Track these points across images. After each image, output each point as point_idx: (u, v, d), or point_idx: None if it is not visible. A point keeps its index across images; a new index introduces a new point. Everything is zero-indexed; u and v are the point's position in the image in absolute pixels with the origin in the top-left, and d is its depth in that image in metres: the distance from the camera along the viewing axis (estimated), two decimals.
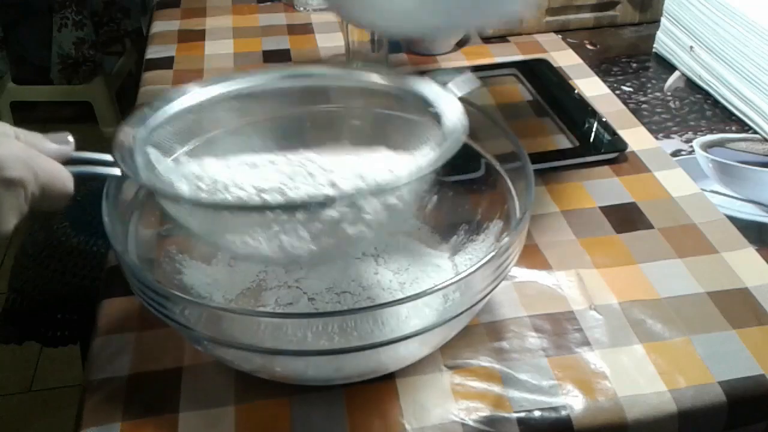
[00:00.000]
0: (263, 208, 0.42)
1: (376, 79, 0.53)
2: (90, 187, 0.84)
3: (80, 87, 2.01)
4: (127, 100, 1.99)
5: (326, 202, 0.41)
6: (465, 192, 0.59)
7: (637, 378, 0.49)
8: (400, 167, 0.46)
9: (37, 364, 1.47)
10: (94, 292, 0.59)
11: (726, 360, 0.50)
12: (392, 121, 0.52)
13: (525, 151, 0.51)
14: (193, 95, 0.51)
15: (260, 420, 0.48)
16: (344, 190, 0.43)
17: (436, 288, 0.42)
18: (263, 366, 0.47)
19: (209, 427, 0.47)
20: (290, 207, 0.42)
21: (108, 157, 0.44)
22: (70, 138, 0.41)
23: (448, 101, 0.48)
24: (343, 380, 0.48)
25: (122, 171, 0.43)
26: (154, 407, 0.48)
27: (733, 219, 0.63)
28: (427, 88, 0.50)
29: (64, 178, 0.39)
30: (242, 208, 0.43)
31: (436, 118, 0.48)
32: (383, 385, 0.49)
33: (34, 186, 0.37)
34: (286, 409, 0.48)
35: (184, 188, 0.45)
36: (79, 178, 0.40)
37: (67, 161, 0.40)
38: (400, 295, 0.53)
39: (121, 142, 0.45)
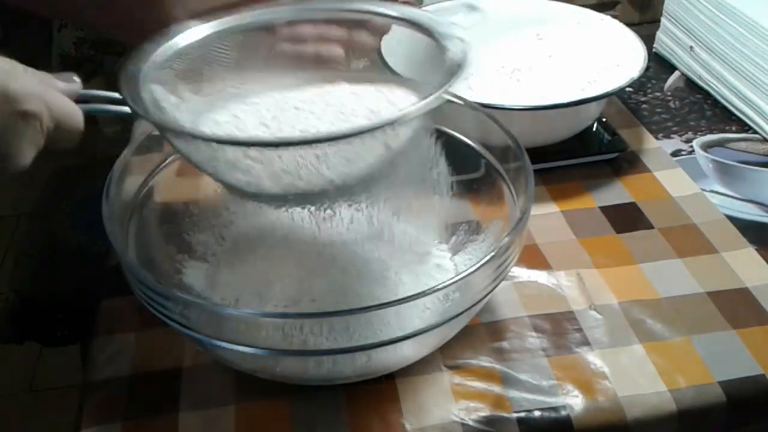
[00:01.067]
0: (282, 144, 0.42)
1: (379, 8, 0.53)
2: (90, 187, 0.84)
3: None
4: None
5: (334, 138, 0.41)
6: (465, 192, 0.59)
7: (637, 378, 0.49)
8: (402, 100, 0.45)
9: (37, 364, 1.47)
10: (94, 292, 0.58)
11: (726, 360, 0.50)
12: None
13: (525, 151, 0.51)
14: (197, 30, 0.50)
15: (260, 420, 0.48)
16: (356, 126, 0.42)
17: (436, 288, 0.42)
18: (263, 366, 0.47)
19: (209, 427, 0.47)
20: (306, 142, 0.42)
21: (116, 95, 0.43)
22: (77, 78, 0.41)
23: (449, 30, 0.48)
24: (343, 380, 0.48)
25: (131, 109, 0.42)
26: (154, 407, 0.48)
27: (733, 219, 0.63)
28: (426, 16, 0.50)
29: (76, 114, 0.39)
30: (258, 144, 0.42)
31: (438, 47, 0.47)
32: (383, 385, 0.49)
33: (48, 120, 0.37)
34: (286, 409, 0.48)
35: (202, 128, 0.44)
36: (88, 118, 0.40)
37: (76, 99, 0.40)
38: (401, 295, 0.53)
39: (127, 78, 0.44)
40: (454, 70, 0.43)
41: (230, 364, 0.48)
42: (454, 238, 0.58)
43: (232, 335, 0.44)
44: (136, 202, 0.52)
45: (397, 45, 0.63)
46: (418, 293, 0.42)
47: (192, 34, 0.50)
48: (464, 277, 0.43)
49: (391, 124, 0.41)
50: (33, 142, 0.37)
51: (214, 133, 0.44)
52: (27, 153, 0.37)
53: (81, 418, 0.48)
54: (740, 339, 0.52)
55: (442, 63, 0.45)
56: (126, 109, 0.43)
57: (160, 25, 0.49)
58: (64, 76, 0.41)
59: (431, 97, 0.41)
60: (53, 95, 0.38)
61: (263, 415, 0.48)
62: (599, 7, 0.96)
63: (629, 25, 0.76)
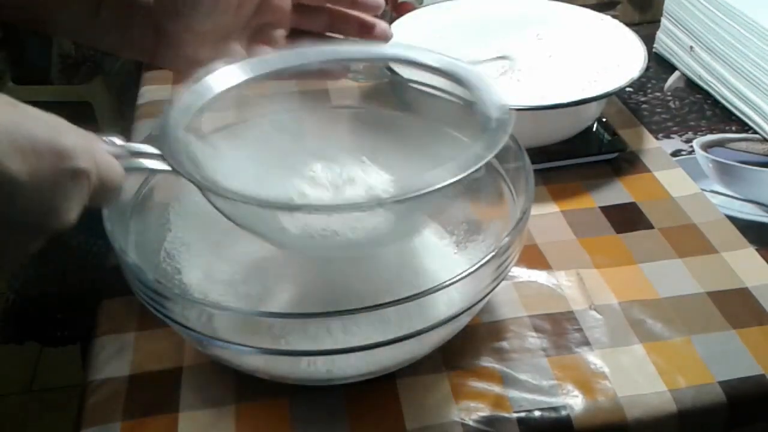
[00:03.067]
0: (312, 208, 0.42)
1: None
2: None
3: (80, 87, 2.01)
4: (127, 100, 1.99)
5: (371, 205, 0.41)
6: (465, 192, 0.59)
7: (637, 378, 0.49)
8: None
9: (37, 364, 1.47)
10: (94, 292, 0.58)
11: (726, 360, 0.50)
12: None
13: (525, 151, 0.51)
14: (233, 76, 0.50)
15: (260, 420, 0.48)
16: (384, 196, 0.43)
17: (436, 288, 0.42)
18: (263, 366, 0.47)
19: (209, 427, 0.47)
20: (338, 209, 0.42)
21: (154, 150, 0.42)
22: (121, 140, 0.40)
23: (484, 83, 0.48)
24: (343, 380, 0.48)
25: (171, 166, 0.42)
26: (154, 407, 0.48)
27: (733, 219, 0.63)
28: (461, 67, 0.50)
29: (119, 173, 0.39)
30: (295, 208, 0.43)
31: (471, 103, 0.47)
32: (383, 385, 0.49)
33: (95, 178, 0.36)
34: (286, 409, 0.48)
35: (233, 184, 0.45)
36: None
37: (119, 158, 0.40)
38: (402, 295, 0.52)
39: (164, 131, 0.44)
40: (500, 134, 0.43)
41: (230, 364, 0.48)
42: (454, 238, 0.58)
43: (232, 335, 0.44)
44: (136, 202, 0.52)
45: None
46: (418, 293, 0.42)
47: (222, 81, 0.49)
48: (464, 277, 0.43)
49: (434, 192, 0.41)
50: (80, 200, 0.36)
51: (267, 199, 0.42)
52: (74, 210, 0.36)
53: (81, 418, 0.48)
54: (740, 339, 0.52)
55: (483, 121, 0.45)
56: (166, 167, 0.42)
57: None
58: (108, 138, 0.40)
59: (481, 163, 0.41)
60: (101, 153, 0.37)
61: (263, 415, 0.48)
62: (599, 7, 0.96)
63: (629, 25, 0.76)
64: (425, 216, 0.46)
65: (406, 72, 0.60)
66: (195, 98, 0.47)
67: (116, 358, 0.51)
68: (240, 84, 0.50)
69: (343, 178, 0.48)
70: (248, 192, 0.41)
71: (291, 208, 0.43)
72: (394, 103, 0.58)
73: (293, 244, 0.46)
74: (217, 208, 0.45)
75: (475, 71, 0.49)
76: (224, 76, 0.50)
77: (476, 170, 0.41)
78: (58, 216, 0.35)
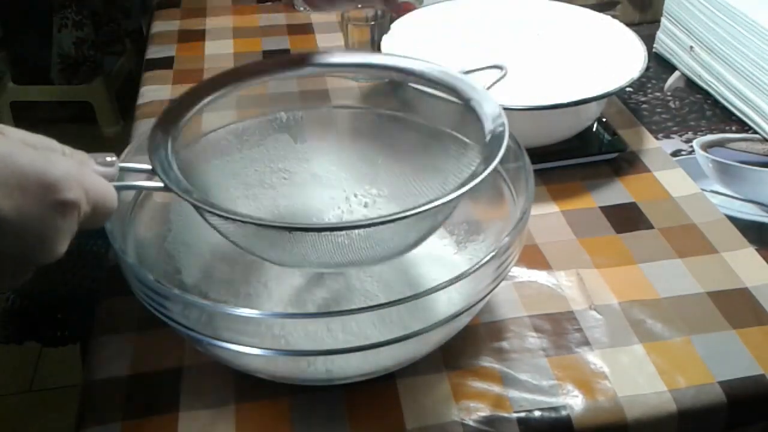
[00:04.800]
0: (301, 229, 0.42)
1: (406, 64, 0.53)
2: None
3: (80, 87, 2.01)
4: (127, 100, 1.99)
5: (373, 224, 0.41)
6: (465, 192, 0.59)
7: (637, 378, 0.49)
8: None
9: (37, 364, 1.47)
10: (94, 292, 0.58)
11: (726, 360, 0.50)
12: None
13: (525, 151, 0.51)
14: (223, 90, 0.50)
15: (260, 420, 0.48)
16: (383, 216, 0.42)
17: (436, 288, 0.42)
18: (263, 366, 0.47)
19: (209, 427, 0.47)
20: (339, 228, 0.42)
21: (147, 167, 0.42)
22: (114, 158, 0.39)
23: (481, 94, 0.48)
24: (343, 380, 0.48)
25: (164, 183, 0.42)
26: (154, 407, 0.48)
27: (733, 219, 0.63)
28: (457, 78, 0.50)
29: (111, 196, 0.37)
30: (286, 228, 0.42)
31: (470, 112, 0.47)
32: (383, 385, 0.49)
33: (86, 206, 0.35)
34: (286, 409, 0.48)
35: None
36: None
37: (113, 179, 0.39)
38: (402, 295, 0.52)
39: (156, 148, 0.44)
40: (496, 145, 0.44)
41: (230, 363, 0.48)
42: (454, 238, 0.58)
43: (232, 335, 0.44)
44: (136, 202, 0.52)
45: None
46: (418, 293, 0.42)
47: (211, 90, 0.50)
48: (464, 277, 0.43)
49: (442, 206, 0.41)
50: (69, 232, 0.34)
51: (257, 217, 0.42)
52: (63, 243, 0.34)
53: (81, 418, 0.48)
54: (740, 339, 0.52)
55: (477, 129, 0.46)
56: (159, 184, 0.42)
57: None
58: (101, 156, 0.39)
59: (482, 176, 0.41)
60: (91, 178, 0.36)
61: (263, 415, 0.48)
62: (599, 7, 0.96)
63: (629, 25, 0.76)
64: (424, 232, 0.46)
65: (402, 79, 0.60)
66: (184, 108, 0.48)
67: (116, 358, 0.51)
68: (228, 92, 0.51)
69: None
70: (245, 211, 0.41)
71: (290, 228, 0.42)
72: (395, 103, 0.58)
73: (293, 261, 0.46)
74: (210, 224, 0.45)
75: (468, 80, 0.50)
76: (214, 84, 0.50)
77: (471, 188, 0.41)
78: (47, 248, 0.34)
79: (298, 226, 0.42)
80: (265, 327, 0.47)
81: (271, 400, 0.49)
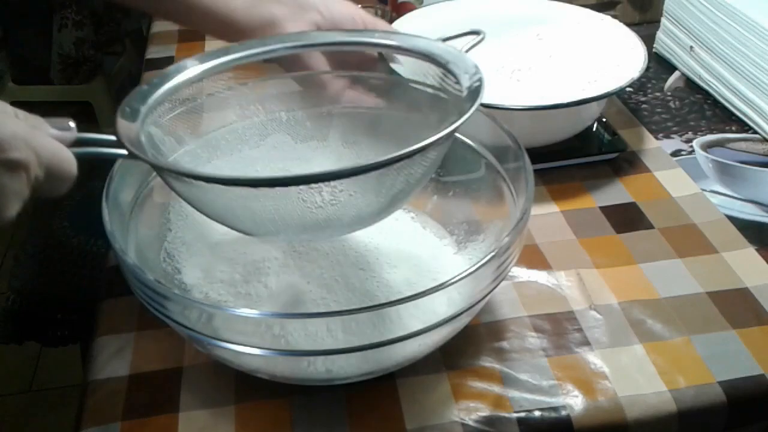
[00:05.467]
0: (280, 182, 0.41)
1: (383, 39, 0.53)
2: (89, 187, 0.84)
3: (80, 87, 2.01)
4: None
5: (344, 174, 0.40)
6: (465, 192, 0.59)
7: (637, 378, 0.49)
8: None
9: (37, 364, 1.47)
10: (94, 292, 0.58)
11: (726, 360, 0.50)
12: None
13: (525, 151, 0.51)
14: (192, 69, 0.51)
15: (260, 420, 0.48)
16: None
17: (436, 288, 0.42)
18: (263, 366, 0.47)
19: (209, 427, 0.47)
20: (311, 179, 0.41)
21: (111, 137, 0.41)
22: (72, 123, 0.38)
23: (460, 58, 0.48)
24: (343, 380, 0.48)
25: (129, 151, 0.41)
26: (154, 407, 0.48)
27: (733, 219, 0.63)
28: (434, 45, 0.50)
29: (67, 160, 0.37)
30: (256, 183, 0.41)
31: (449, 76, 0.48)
32: (383, 385, 0.49)
33: (37, 168, 0.34)
34: (287, 409, 0.48)
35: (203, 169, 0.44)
36: (82, 163, 0.38)
37: (70, 144, 0.38)
38: (402, 294, 0.53)
39: (124, 120, 0.43)
40: (473, 97, 0.44)
41: (230, 363, 0.48)
42: (454, 238, 0.58)
43: (232, 335, 0.44)
44: (136, 202, 0.52)
45: None
46: (418, 293, 0.42)
47: (187, 72, 0.50)
48: (464, 277, 0.43)
49: (418, 152, 0.40)
50: (18, 194, 0.34)
51: (218, 174, 0.41)
52: (12, 205, 0.34)
53: (81, 418, 0.48)
54: (740, 339, 0.52)
55: (458, 91, 0.46)
56: (123, 151, 0.41)
57: None
58: (58, 121, 0.38)
59: (455, 125, 0.41)
60: (44, 141, 0.35)
61: (263, 415, 0.48)
62: (599, 7, 0.96)
63: (629, 25, 0.76)
64: (406, 186, 0.45)
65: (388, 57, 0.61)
66: (156, 91, 0.48)
67: (116, 358, 0.51)
68: (202, 75, 0.51)
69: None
70: (211, 173, 0.40)
71: (258, 183, 0.41)
72: (391, 97, 0.59)
73: (265, 228, 0.45)
74: (180, 195, 0.44)
75: (445, 45, 0.51)
76: (187, 67, 0.50)
77: (447, 135, 0.41)
78: None
79: (262, 178, 0.42)
80: (265, 327, 0.47)
81: (271, 400, 0.49)
